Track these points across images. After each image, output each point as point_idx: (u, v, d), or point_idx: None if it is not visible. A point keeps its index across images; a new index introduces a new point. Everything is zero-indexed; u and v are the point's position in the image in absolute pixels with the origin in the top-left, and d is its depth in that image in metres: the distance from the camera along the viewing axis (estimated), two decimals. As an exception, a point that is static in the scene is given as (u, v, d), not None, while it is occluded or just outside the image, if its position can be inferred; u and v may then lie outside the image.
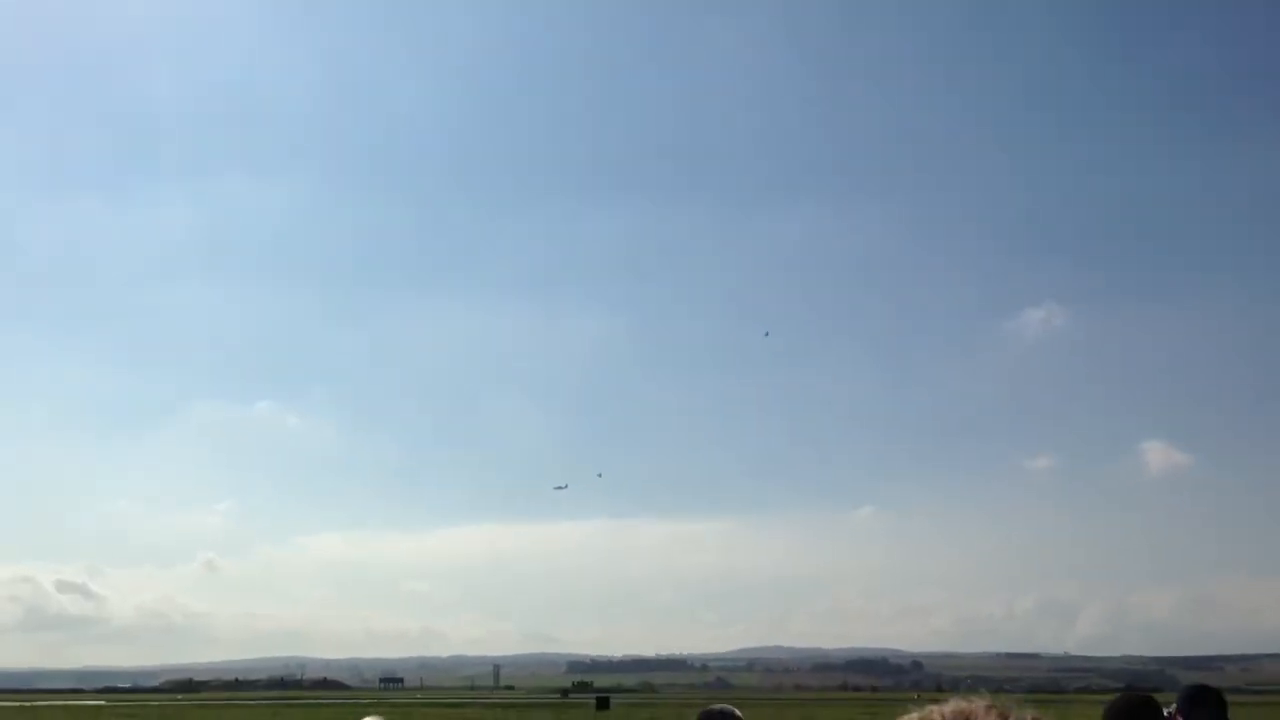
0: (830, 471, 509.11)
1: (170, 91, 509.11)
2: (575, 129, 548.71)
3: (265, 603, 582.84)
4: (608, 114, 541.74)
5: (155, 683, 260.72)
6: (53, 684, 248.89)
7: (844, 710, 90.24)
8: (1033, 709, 1.91)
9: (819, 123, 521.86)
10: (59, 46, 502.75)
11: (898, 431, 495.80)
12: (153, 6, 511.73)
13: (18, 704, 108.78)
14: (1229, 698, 6.91)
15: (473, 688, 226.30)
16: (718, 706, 5.90)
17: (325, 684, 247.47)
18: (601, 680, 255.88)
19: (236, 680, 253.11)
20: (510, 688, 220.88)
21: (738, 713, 5.85)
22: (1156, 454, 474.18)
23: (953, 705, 1.92)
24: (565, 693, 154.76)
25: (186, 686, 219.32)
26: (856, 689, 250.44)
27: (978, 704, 1.89)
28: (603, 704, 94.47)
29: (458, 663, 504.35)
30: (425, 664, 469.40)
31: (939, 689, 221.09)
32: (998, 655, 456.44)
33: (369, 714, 5.65)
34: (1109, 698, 6.82)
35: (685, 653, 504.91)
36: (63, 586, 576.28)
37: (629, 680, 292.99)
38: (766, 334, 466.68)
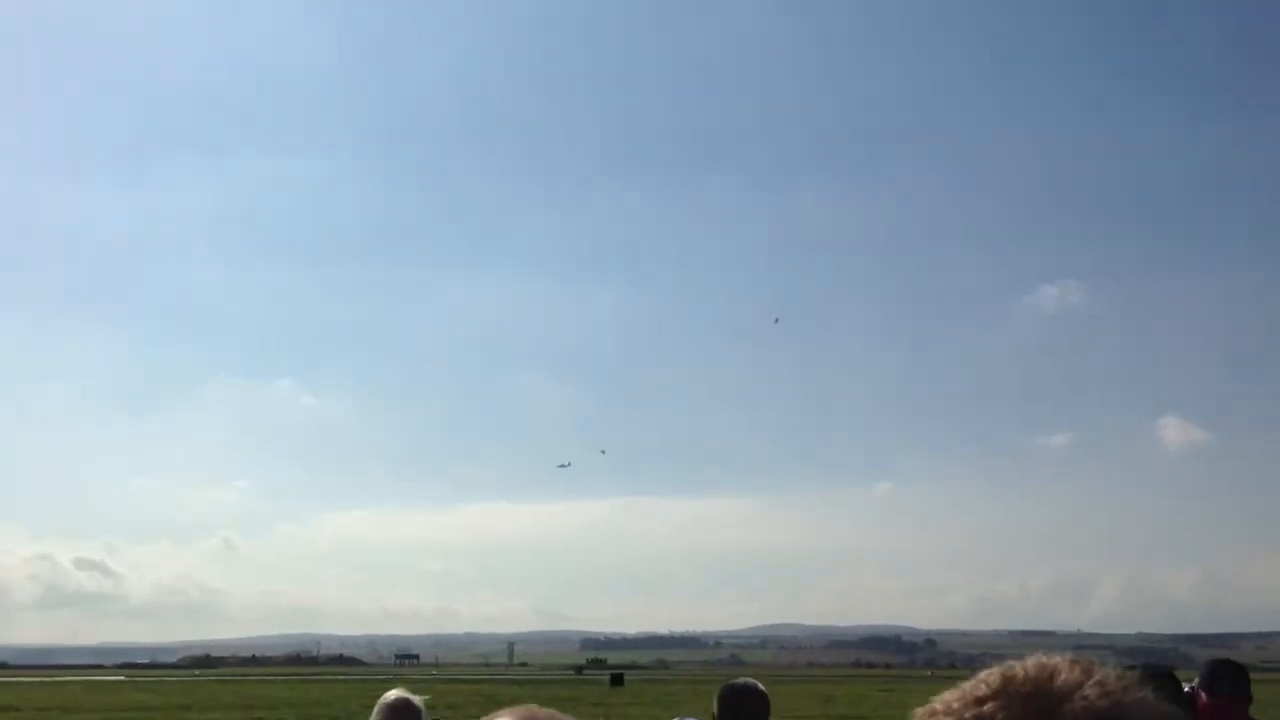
0: (848, 448, 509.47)
1: (187, 70, 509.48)
2: (595, 106, 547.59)
3: (282, 580, 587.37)
4: (628, 91, 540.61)
5: (173, 658, 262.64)
6: (71, 660, 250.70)
7: (857, 687, 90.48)
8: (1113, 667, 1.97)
9: (838, 98, 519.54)
10: (75, 27, 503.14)
11: (915, 408, 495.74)
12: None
13: (38, 679, 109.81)
14: (1245, 675, 6.88)
15: (487, 665, 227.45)
16: (741, 681, 5.91)
17: (341, 660, 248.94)
18: (615, 657, 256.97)
19: (254, 656, 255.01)
20: (524, 665, 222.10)
21: (760, 686, 5.86)
22: (1174, 430, 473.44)
23: (1035, 659, 1.99)
24: (580, 669, 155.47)
25: (204, 662, 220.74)
26: (870, 666, 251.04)
27: (1061, 658, 1.96)
28: (617, 681, 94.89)
29: (472, 640, 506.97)
30: (440, 641, 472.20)
31: (952, 666, 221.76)
32: (1012, 633, 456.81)
33: (393, 689, 5.68)
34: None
35: (699, 630, 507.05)
36: (81, 564, 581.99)
37: (643, 658, 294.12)
38: (776, 320, 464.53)
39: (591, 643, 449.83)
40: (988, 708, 2.00)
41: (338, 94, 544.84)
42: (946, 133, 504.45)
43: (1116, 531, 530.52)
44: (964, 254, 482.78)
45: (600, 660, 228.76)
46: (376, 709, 5.65)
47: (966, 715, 1.99)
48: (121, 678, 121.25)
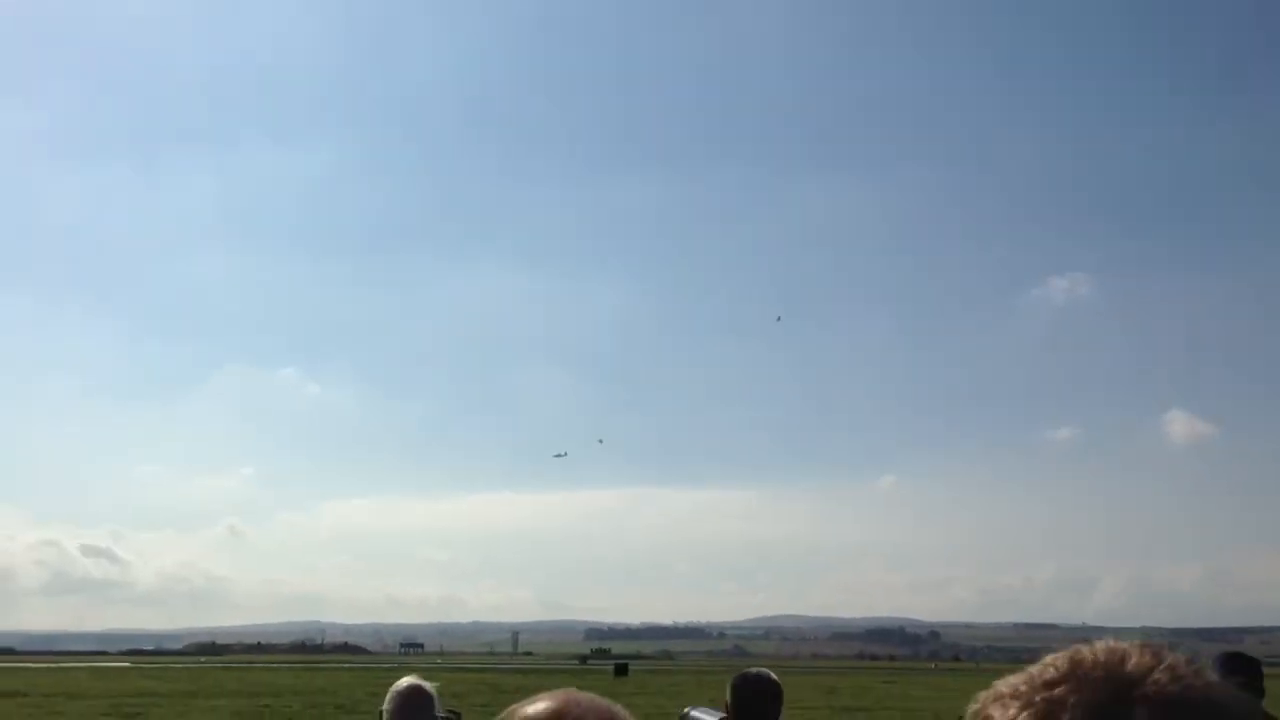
0: (852, 442, 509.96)
1: (192, 65, 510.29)
2: (596, 102, 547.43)
3: (286, 568, 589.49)
4: (629, 88, 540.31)
5: (178, 645, 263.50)
6: (77, 646, 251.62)
7: (861, 678, 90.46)
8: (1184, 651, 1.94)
9: (840, 96, 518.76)
10: (84, 17, 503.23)
11: (919, 403, 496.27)
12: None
13: (45, 665, 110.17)
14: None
15: (492, 653, 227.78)
16: (754, 670, 5.91)
17: (346, 648, 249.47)
18: (619, 648, 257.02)
19: (259, 644, 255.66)
20: (529, 654, 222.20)
21: (773, 675, 5.86)
22: (1179, 424, 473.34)
23: (1103, 643, 1.95)
24: (584, 659, 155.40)
25: (209, 649, 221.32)
26: (874, 658, 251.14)
27: (1130, 643, 1.93)
28: (621, 671, 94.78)
29: (477, 629, 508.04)
30: (445, 630, 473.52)
31: (956, 659, 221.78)
32: (1015, 625, 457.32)
33: (405, 676, 5.69)
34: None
35: (703, 621, 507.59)
36: (87, 550, 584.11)
37: (647, 648, 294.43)
38: (779, 319, 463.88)
39: (595, 632, 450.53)
40: (1058, 691, 1.94)
41: (341, 90, 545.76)
42: (947, 131, 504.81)
43: (1120, 526, 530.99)
44: (966, 252, 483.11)
45: (605, 650, 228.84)
46: (389, 696, 5.66)
47: (1036, 699, 1.94)
48: (127, 664, 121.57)
